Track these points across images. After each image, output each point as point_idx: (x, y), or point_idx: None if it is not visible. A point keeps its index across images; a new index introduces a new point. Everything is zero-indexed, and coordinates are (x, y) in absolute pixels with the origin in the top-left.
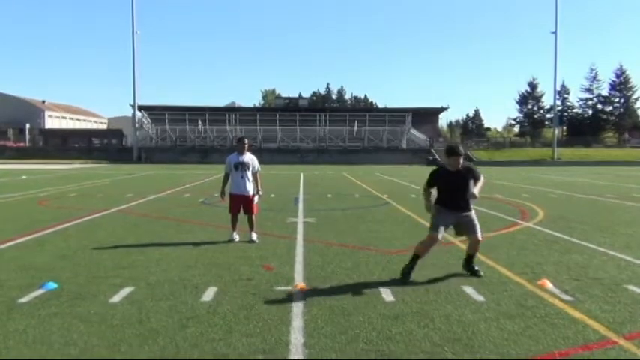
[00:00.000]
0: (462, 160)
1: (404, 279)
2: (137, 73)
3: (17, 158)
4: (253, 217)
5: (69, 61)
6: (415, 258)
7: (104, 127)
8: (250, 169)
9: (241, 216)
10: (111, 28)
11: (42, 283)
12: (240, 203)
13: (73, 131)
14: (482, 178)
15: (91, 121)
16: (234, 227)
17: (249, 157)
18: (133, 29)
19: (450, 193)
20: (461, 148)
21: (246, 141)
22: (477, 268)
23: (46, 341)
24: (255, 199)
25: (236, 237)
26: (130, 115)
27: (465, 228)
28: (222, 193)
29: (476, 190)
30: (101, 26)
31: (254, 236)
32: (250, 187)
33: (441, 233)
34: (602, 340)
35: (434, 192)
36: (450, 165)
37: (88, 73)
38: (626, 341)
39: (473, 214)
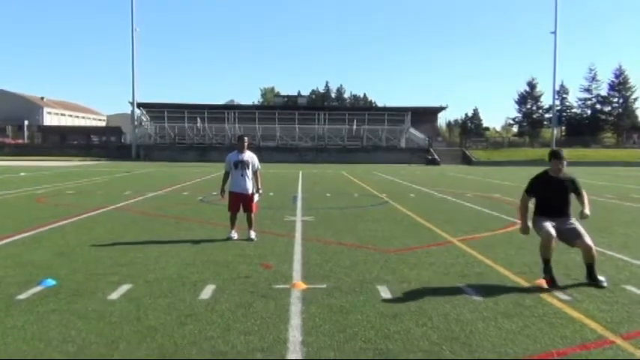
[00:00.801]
0: (565, 165)
1: (551, 283)
2: (136, 71)
3: (15, 155)
4: (252, 215)
5: (68, 58)
6: (546, 262)
7: (103, 124)
8: (250, 167)
9: (241, 214)
10: (110, 26)
11: (40, 280)
12: (240, 201)
13: (72, 128)
14: (585, 194)
15: (89, 118)
16: (233, 225)
17: (249, 155)
18: (132, 26)
19: (554, 202)
20: (563, 152)
21: (246, 139)
22: (600, 278)
23: (44, 338)
24: (255, 197)
25: (235, 235)
26: (129, 112)
27: (569, 238)
28: (222, 191)
29: (587, 209)
30: (100, 23)
31: (252, 234)
32: (250, 186)
33: (551, 228)
34: (600, 340)
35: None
36: (552, 170)
37: (87, 70)
38: (624, 341)
39: (575, 221)
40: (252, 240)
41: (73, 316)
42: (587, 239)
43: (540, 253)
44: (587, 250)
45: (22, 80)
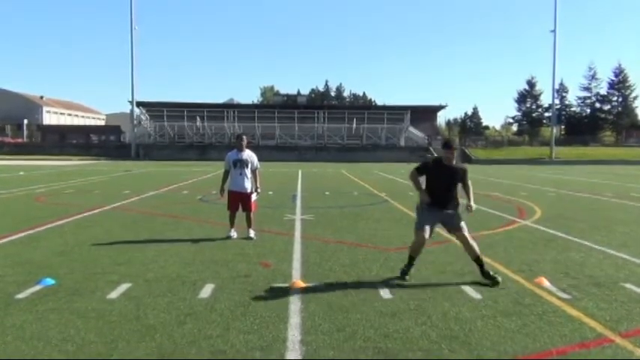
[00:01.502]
0: (455, 155)
1: (401, 278)
2: (135, 70)
3: (15, 154)
4: (251, 214)
5: (67, 57)
6: (411, 259)
7: (102, 123)
8: (249, 166)
9: (240, 213)
10: (109, 25)
11: (39, 279)
12: (239, 200)
13: (71, 127)
14: (470, 185)
15: (89, 118)
16: (232, 224)
17: (248, 154)
18: (132, 25)
19: (439, 190)
20: (456, 142)
21: (244, 138)
22: (492, 273)
23: (43, 337)
24: (254, 196)
25: (234, 234)
26: (128, 111)
27: (450, 228)
28: (222, 190)
29: (472, 201)
30: (100, 23)
31: (252, 233)
32: (249, 184)
33: (428, 232)
34: (599, 339)
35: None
36: (445, 158)
37: (86, 70)
38: (623, 339)
39: (459, 211)
40: (251, 239)
41: (72, 315)
42: (466, 232)
43: (409, 249)
44: (464, 243)
45: (21, 79)
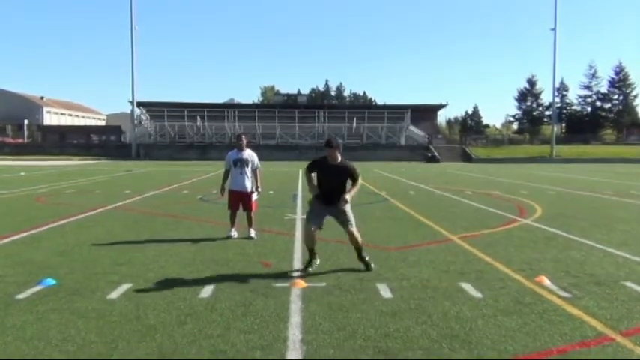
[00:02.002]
0: (339, 155)
1: (304, 270)
2: (136, 70)
3: (15, 154)
4: (252, 214)
5: (68, 58)
6: (311, 251)
7: (103, 123)
8: (250, 165)
9: (241, 212)
10: (110, 25)
11: (40, 279)
12: (239, 200)
13: (72, 128)
14: (359, 181)
15: (89, 118)
16: (232, 224)
17: (248, 154)
18: (132, 25)
19: (327, 186)
20: (337, 141)
21: (244, 137)
22: (367, 259)
23: (43, 337)
24: (254, 195)
25: (234, 234)
26: (129, 111)
27: (340, 222)
28: (222, 189)
29: (349, 196)
30: (100, 23)
31: (252, 233)
32: (249, 184)
33: (315, 226)
34: (600, 337)
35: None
36: (329, 157)
37: (86, 70)
38: (624, 338)
39: (347, 208)
40: (252, 238)
41: (73, 315)
42: (352, 228)
43: (305, 242)
44: (350, 236)
45: (21, 80)
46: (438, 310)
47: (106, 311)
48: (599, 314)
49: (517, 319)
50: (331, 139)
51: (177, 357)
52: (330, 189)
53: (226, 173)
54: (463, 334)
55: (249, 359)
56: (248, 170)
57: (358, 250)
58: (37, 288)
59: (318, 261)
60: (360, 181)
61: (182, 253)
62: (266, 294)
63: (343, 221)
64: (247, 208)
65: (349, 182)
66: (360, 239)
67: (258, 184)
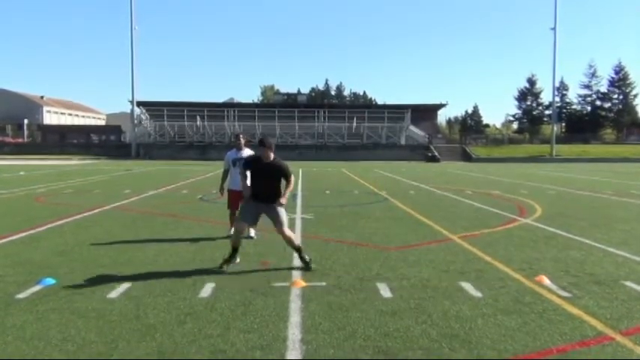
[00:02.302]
0: (272, 154)
1: (220, 268)
2: (135, 69)
3: (15, 154)
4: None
5: (67, 57)
6: (234, 250)
7: (102, 123)
8: None
9: None
10: (109, 25)
11: (39, 279)
12: (239, 199)
13: (72, 127)
14: (292, 180)
15: (89, 117)
16: (232, 223)
17: (247, 153)
18: (132, 25)
19: (259, 184)
20: (270, 140)
21: (242, 137)
22: (307, 259)
23: (43, 337)
24: None
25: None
26: (129, 111)
27: (272, 221)
28: (221, 189)
29: (284, 199)
30: (100, 22)
31: (252, 232)
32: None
33: (246, 224)
34: (600, 337)
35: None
36: (262, 156)
37: (86, 69)
38: (623, 337)
39: (280, 208)
40: (252, 238)
41: (73, 315)
42: (284, 229)
43: (232, 238)
44: (282, 236)
45: (21, 79)
46: (437, 309)
47: (105, 311)
48: (599, 314)
49: (517, 319)
50: (264, 139)
51: (177, 357)
52: (263, 187)
53: (225, 173)
54: (463, 333)
55: (249, 359)
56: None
57: (295, 249)
58: (37, 288)
59: (238, 260)
60: (292, 178)
61: (182, 253)
62: (266, 293)
63: (274, 220)
64: None
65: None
66: (293, 238)
67: None
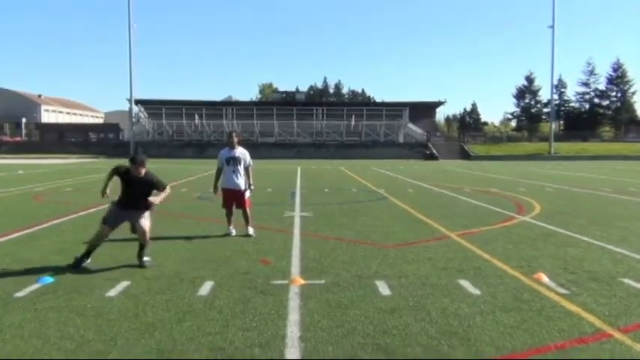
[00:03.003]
0: (143, 170)
1: (74, 266)
2: (134, 67)
3: (13, 153)
4: (247, 211)
5: (65, 56)
6: (89, 252)
7: (101, 121)
8: (242, 163)
9: (237, 210)
10: (108, 23)
11: (38, 277)
12: (233, 197)
13: (70, 125)
14: (168, 190)
15: (87, 116)
16: (229, 222)
17: (240, 152)
18: (130, 23)
19: (129, 195)
20: (141, 158)
21: (234, 135)
22: (144, 259)
23: (42, 335)
24: (247, 193)
25: (233, 231)
26: (127, 109)
27: (134, 224)
28: (215, 187)
29: (157, 199)
30: (98, 20)
31: (250, 230)
32: (242, 182)
33: (110, 228)
34: (598, 334)
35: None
36: (133, 171)
37: (84, 68)
38: (622, 334)
39: (146, 214)
40: (250, 236)
41: (71, 313)
42: (143, 225)
43: (92, 240)
44: (138, 230)
45: (19, 78)
46: (436, 307)
47: (104, 309)
48: (598, 311)
49: (515, 316)
50: (136, 156)
51: (175, 355)
52: (132, 199)
53: (218, 171)
54: (462, 331)
55: (248, 357)
56: (240, 168)
57: (141, 245)
58: (36, 286)
59: (89, 261)
60: (168, 189)
61: (180, 251)
62: (265, 291)
63: (136, 222)
64: (241, 205)
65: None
66: (147, 236)
67: (251, 182)
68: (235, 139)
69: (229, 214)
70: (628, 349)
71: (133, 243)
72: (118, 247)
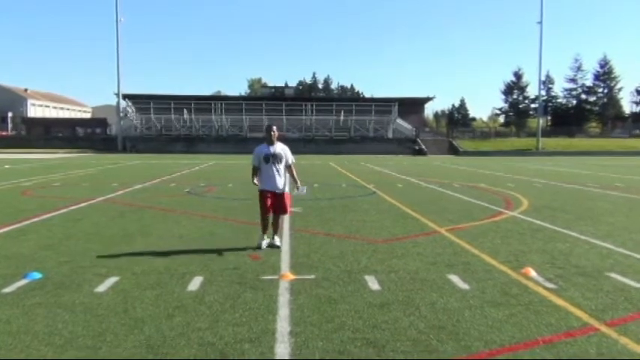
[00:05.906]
0: None
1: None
2: (121, 62)
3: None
4: (285, 216)
5: (52, 50)
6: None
7: (88, 116)
8: (283, 161)
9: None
10: (95, 17)
11: (26, 273)
12: (273, 201)
13: (57, 120)
14: None
15: (74, 110)
16: (264, 230)
17: (280, 148)
18: (117, 16)
19: None
20: None
21: (274, 129)
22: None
23: (30, 331)
24: (302, 190)
25: (264, 243)
26: (115, 103)
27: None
28: (254, 182)
29: None
30: (85, 14)
31: (277, 241)
32: (282, 183)
33: None
34: (585, 327)
35: None
36: None
37: (71, 62)
38: (608, 328)
39: None
40: (277, 247)
41: (60, 309)
42: None
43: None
44: None
45: (5, 72)
46: (425, 301)
47: (93, 305)
48: (585, 305)
49: (504, 311)
50: None
51: (165, 350)
52: None
53: (254, 170)
54: (450, 325)
55: (238, 352)
56: (281, 166)
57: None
58: (24, 282)
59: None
60: None
61: (170, 246)
62: (254, 287)
63: None
64: (281, 210)
65: None
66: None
67: (297, 180)
68: (276, 134)
69: (265, 220)
70: (614, 342)
71: (121, 238)
72: (105, 242)
